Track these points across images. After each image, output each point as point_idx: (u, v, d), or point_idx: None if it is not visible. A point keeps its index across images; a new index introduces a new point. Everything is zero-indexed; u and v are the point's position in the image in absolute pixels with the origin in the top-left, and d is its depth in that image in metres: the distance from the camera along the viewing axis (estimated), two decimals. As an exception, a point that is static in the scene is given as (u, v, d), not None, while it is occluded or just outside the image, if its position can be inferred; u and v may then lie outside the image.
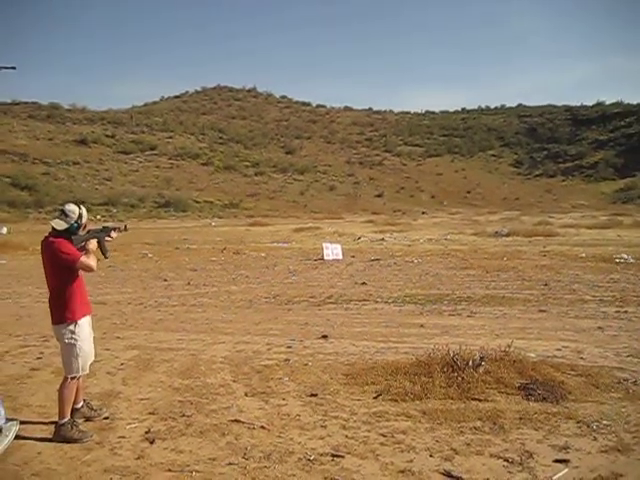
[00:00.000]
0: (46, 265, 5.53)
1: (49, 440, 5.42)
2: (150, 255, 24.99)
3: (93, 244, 5.60)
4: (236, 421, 5.76)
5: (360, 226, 44.27)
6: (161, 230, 43.33)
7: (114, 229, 5.99)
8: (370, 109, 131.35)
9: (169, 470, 4.78)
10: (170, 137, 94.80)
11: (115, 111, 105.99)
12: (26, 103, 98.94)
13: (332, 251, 22.30)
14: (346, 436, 5.34)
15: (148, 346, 9.11)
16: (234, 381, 7.16)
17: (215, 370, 7.66)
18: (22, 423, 5.86)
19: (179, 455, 5.05)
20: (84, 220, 5.55)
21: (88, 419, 5.88)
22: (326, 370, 7.45)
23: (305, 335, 9.70)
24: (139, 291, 15.48)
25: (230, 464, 4.84)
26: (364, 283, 15.78)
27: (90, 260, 5.41)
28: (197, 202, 71.50)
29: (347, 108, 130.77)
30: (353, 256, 22.98)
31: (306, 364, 7.78)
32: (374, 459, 4.87)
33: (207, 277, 17.96)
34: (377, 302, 12.98)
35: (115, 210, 63.16)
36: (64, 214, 5.42)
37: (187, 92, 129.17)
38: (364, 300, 13.22)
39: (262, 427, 5.59)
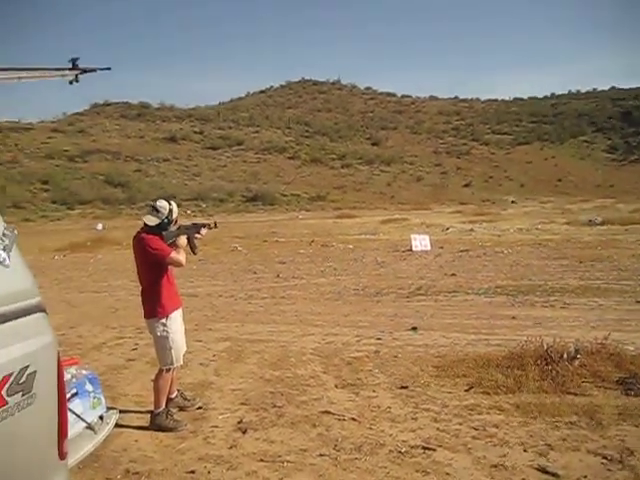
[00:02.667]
0: (137, 260, 5.67)
1: (145, 428, 5.57)
2: (240, 248, 25.38)
3: (183, 240, 5.69)
4: (327, 412, 5.76)
5: (448, 217, 43.71)
6: (250, 224, 43.97)
7: (204, 226, 6.06)
8: (456, 97, 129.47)
9: (261, 460, 4.82)
10: (257, 132, 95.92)
11: (202, 108, 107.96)
12: (117, 103, 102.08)
13: (420, 242, 22.08)
14: (437, 429, 5.26)
15: (239, 338, 9.26)
16: (324, 373, 7.18)
17: (305, 362, 7.70)
18: (120, 412, 6.08)
19: (271, 445, 5.10)
20: (175, 216, 5.64)
21: (182, 409, 6.01)
22: (416, 362, 7.38)
23: (394, 327, 9.64)
24: (229, 284, 15.73)
25: (321, 455, 4.85)
26: (453, 274, 15.57)
27: (180, 256, 5.51)
28: (284, 195, 72.16)
29: (433, 97, 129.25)
30: (442, 247, 22.71)
31: (396, 356, 7.73)
32: (466, 453, 4.78)
33: (295, 269, 18.08)
34: (467, 293, 12.77)
35: (204, 205, 64.45)
36: (155, 210, 5.52)
37: (272, 87, 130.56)
38: (454, 291, 13.03)
39: (353, 419, 5.58)
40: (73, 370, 4.04)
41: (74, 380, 3.91)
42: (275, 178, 79.65)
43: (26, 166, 67.47)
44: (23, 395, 2.18)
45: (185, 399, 6.11)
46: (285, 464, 4.72)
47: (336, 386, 6.63)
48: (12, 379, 2.12)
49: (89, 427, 3.82)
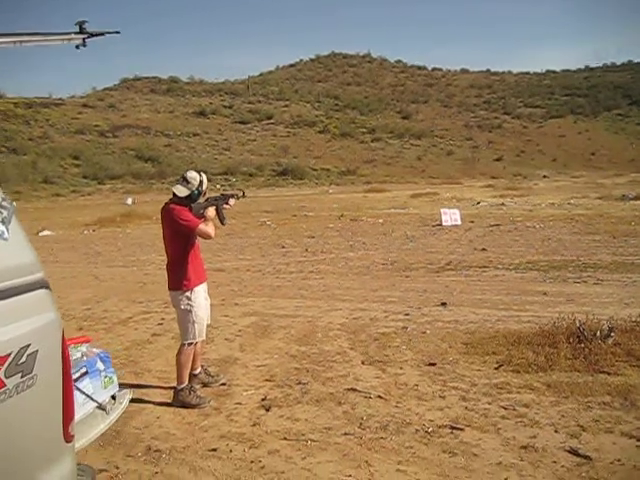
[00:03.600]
0: (165, 231, 5.58)
1: (168, 405, 5.51)
2: (268, 223, 25.27)
3: (211, 212, 5.57)
4: (352, 390, 5.65)
5: (479, 191, 43.12)
6: (279, 198, 43.87)
7: (232, 196, 5.93)
8: (488, 70, 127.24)
9: (284, 438, 4.72)
10: (286, 106, 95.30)
11: (232, 82, 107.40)
12: (147, 78, 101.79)
13: (450, 216, 21.76)
14: (466, 408, 5.12)
15: (266, 313, 9.16)
16: (351, 349, 7.05)
17: (332, 337, 7.59)
18: (143, 387, 6.02)
19: (294, 423, 4.99)
20: (204, 187, 5.53)
21: (206, 385, 5.93)
22: (445, 339, 7.22)
23: (423, 302, 9.46)
24: (257, 258, 15.64)
25: (346, 434, 4.74)
26: (484, 249, 15.28)
27: (208, 227, 5.39)
28: (314, 170, 71.78)
29: (464, 70, 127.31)
30: (472, 221, 22.35)
31: (424, 332, 7.57)
32: (495, 433, 4.63)
33: (324, 244, 17.92)
34: (498, 269, 12.50)
35: (234, 179, 64.33)
36: (185, 180, 5.43)
37: (301, 60, 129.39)
38: (484, 267, 12.77)
39: (379, 396, 5.46)
40: (84, 348, 3.92)
41: (84, 359, 3.80)
42: (305, 152, 79.15)
43: (57, 141, 67.80)
44: (23, 376, 2.06)
45: (209, 375, 6.03)
46: (309, 443, 4.62)
47: (362, 363, 6.50)
48: (10, 359, 2.00)
49: (100, 407, 3.72)
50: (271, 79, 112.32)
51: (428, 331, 7.60)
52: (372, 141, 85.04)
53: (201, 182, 5.46)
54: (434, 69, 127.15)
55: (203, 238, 5.50)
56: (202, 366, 6.01)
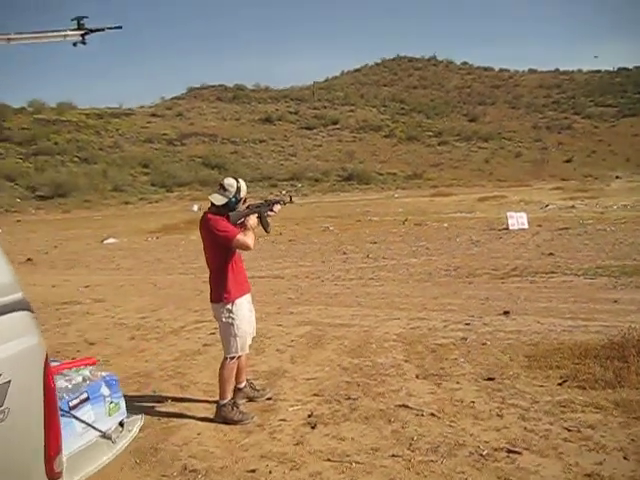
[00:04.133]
0: (204, 242, 5.37)
1: (210, 420, 5.29)
2: (331, 228, 25.04)
3: (253, 220, 5.32)
4: (404, 406, 5.31)
5: (548, 193, 41.96)
6: (344, 203, 43.67)
7: (277, 202, 5.67)
8: (557, 70, 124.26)
9: (328, 460, 4.43)
10: (352, 110, 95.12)
11: (297, 88, 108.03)
12: (213, 86, 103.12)
13: (517, 220, 21.10)
14: (525, 428, 4.71)
15: (321, 322, 8.89)
16: (406, 361, 6.71)
17: (387, 348, 7.25)
18: (187, 401, 5.81)
19: (340, 443, 4.69)
20: (242, 194, 5.29)
21: (251, 400, 5.69)
22: (506, 351, 6.79)
23: (485, 311, 9.03)
24: (317, 265, 15.40)
25: (394, 456, 4.40)
26: (551, 254, 14.65)
27: (247, 238, 5.13)
28: (380, 174, 71.40)
29: (532, 70, 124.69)
30: (540, 225, 21.62)
31: (484, 343, 7.15)
32: (556, 458, 4.21)
33: (387, 249, 17.57)
34: (565, 274, 11.92)
35: (300, 185, 64.52)
36: (222, 188, 5.21)
37: (366, 65, 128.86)
38: (551, 272, 12.19)
39: (432, 414, 5.10)
40: (87, 372, 3.66)
41: (87, 383, 3.54)
42: (371, 157, 78.80)
43: (127, 150, 69.28)
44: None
45: (254, 389, 5.78)
46: (353, 465, 4.31)
47: (417, 376, 6.14)
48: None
49: (104, 436, 3.46)
50: (336, 84, 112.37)
51: (488, 342, 7.18)
52: (439, 144, 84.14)
53: (238, 189, 5.21)
54: (501, 70, 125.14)
55: (241, 250, 5.26)
56: (248, 380, 5.76)
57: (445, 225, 23.48)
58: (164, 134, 76.16)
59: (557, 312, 8.65)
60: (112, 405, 3.57)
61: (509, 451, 4.32)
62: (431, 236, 20.20)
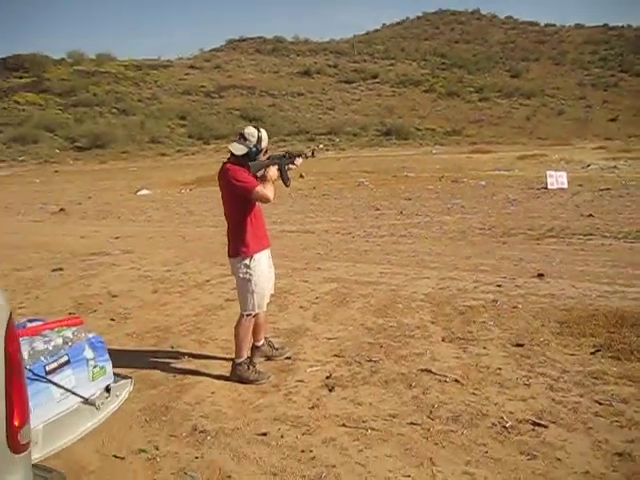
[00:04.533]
0: (222, 194, 5.14)
1: (226, 378, 5.13)
2: (366, 183, 24.63)
3: (273, 172, 5.06)
4: (427, 371, 5.08)
5: (590, 153, 40.80)
6: (381, 158, 43.06)
7: (299, 155, 5.38)
8: (605, 25, 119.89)
9: (343, 425, 4.24)
10: (392, 65, 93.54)
11: (337, 41, 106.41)
12: (252, 39, 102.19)
13: (557, 179, 20.47)
14: (553, 400, 4.45)
15: (348, 279, 8.66)
16: (432, 322, 6.46)
17: (414, 309, 7.01)
18: (204, 358, 5.66)
19: (357, 407, 4.50)
20: (264, 144, 5.02)
21: (269, 358, 5.52)
22: (538, 315, 6.48)
23: (518, 272, 8.69)
24: (349, 220, 15.12)
25: (412, 424, 4.19)
26: (591, 215, 14.14)
27: (267, 190, 4.88)
28: (419, 130, 70.31)
29: (578, 26, 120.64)
30: (580, 185, 20.95)
31: (515, 307, 6.85)
32: (584, 433, 3.95)
33: (421, 206, 17.20)
34: (605, 237, 11.47)
35: (338, 139, 63.88)
36: (243, 137, 4.95)
37: (408, 18, 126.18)
38: (589, 234, 11.74)
39: (455, 380, 4.87)
40: (69, 333, 3.41)
41: (68, 345, 3.31)
42: (410, 112, 77.55)
43: (165, 102, 69.17)
44: None
45: (273, 348, 5.60)
46: (369, 432, 4.11)
47: (443, 339, 5.90)
48: None
49: (87, 402, 3.26)
50: (377, 38, 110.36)
51: (520, 306, 6.87)
52: (479, 100, 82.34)
53: (259, 138, 4.95)
54: (547, 25, 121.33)
55: (261, 202, 5.02)
56: (266, 338, 5.58)
57: (482, 183, 22.92)
58: (202, 86, 75.86)
59: (593, 276, 8.26)
60: (96, 369, 3.34)
61: (534, 424, 4.07)
62: (467, 194, 19.72)
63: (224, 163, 5.07)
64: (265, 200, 4.92)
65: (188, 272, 9.42)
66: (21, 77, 69.42)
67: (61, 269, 9.92)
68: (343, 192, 21.69)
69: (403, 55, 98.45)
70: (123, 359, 5.63)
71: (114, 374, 3.62)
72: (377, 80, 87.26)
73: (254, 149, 4.92)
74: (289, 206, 18.13)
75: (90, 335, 3.50)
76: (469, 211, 15.79)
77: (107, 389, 3.41)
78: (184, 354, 5.76)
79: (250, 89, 77.34)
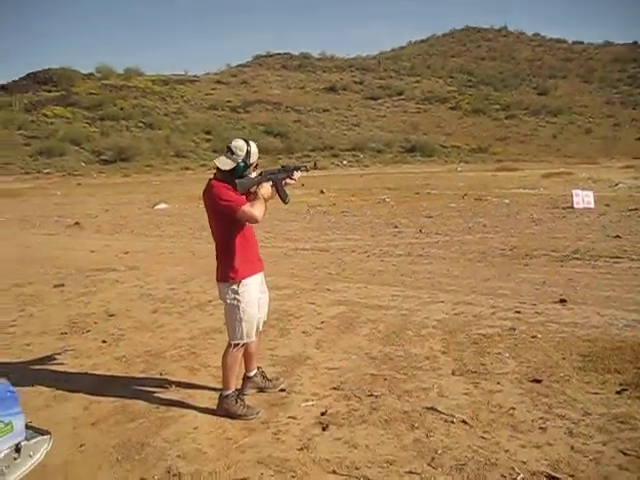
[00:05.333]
0: (208, 213, 4.73)
1: (212, 412, 4.69)
2: (387, 200, 24.23)
3: (266, 189, 4.64)
4: (432, 409, 4.61)
5: (618, 172, 39.91)
6: (404, 175, 42.67)
7: (297, 169, 4.96)
8: (635, 43, 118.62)
9: (333, 472, 3.78)
10: (417, 81, 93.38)
11: (363, 58, 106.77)
12: (279, 54, 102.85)
13: (583, 198, 19.90)
14: (572, 447, 3.93)
15: (357, 302, 8.19)
16: (443, 353, 5.97)
17: (424, 337, 6.52)
18: (193, 387, 5.23)
19: (351, 451, 4.03)
20: (253, 159, 4.60)
21: (261, 390, 5.08)
22: (558, 346, 5.95)
23: (539, 297, 8.17)
24: (366, 238, 14.69)
25: (410, 472, 3.72)
26: (618, 236, 13.55)
27: (254, 209, 4.46)
28: (444, 147, 69.84)
29: (607, 43, 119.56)
30: (607, 205, 20.34)
31: (534, 336, 6.33)
32: (607, 491, 3.45)
33: (441, 225, 16.73)
34: (633, 260, 10.90)
35: (362, 155, 63.65)
36: (230, 151, 4.53)
37: (434, 35, 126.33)
38: (617, 257, 11.17)
39: (463, 421, 4.39)
40: None
41: None
42: (435, 129, 77.17)
43: (190, 117, 69.44)
44: None
45: (266, 379, 5.15)
46: (361, 481, 3.65)
47: (453, 372, 5.41)
48: None
49: None
50: (403, 54, 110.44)
51: (539, 335, 6.35)
52: (506, 118, 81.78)
53: (248, 152, 4.53)
54: (574, 42, 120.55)
55: (248, 222, 4.61)
56: (259, 368, 5.14)
57: (506, 201, 22.39)
58: (228, 101, 76.21)
59: (620, 303, 7.71)
60: (0, 426, 2.90)
61: (550, 477, 3.57)
62: (490, 212, 19.22)
63: (210, 179, 4.66)
64: (253, 220, 4.51)
65: (192, 291, 9.02)
66: (50, 91, 70.14)
67: (62, 285, 9.58)
68: (363, 209, 21.28)
69: (429, 72, 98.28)
70: (107, 386, 5.30)
71: (31, 429, 3.17)
72: (403, 97, 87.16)
73: (242, 164, 4.51)
74: (306, 222, 17.78)
75: None
76: (491, 230, 15.29)
77: (17, 449, 2.95)
78: (172, 382, 5.33)
79: (276, 104, 77.50)
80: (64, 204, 26.06)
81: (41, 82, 72.25)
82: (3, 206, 25.08)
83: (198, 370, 5.69)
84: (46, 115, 62.47)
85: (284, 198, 4.87)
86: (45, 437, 3.15)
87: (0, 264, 11.57)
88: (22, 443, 2.98)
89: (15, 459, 2.92)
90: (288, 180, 4.88)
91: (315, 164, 5.35)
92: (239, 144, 4.54)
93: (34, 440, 3.07)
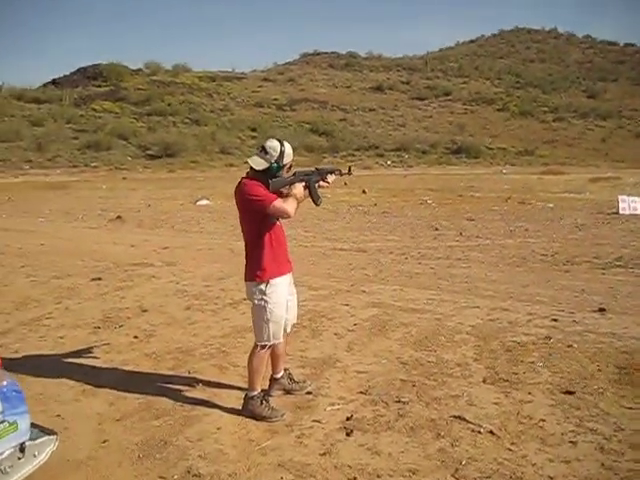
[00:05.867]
0: (239, 211, 4.70)
1: (237, 412, 4.67)
2: (429, 202, 24.03)
3: (298, 189, 4.60)
4: (460, 418, 4.51)
5: (669, 177, 39.04)
6: (448, 176, 42.30)
7: (331, 172, 4.92)
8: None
9: (354, 479, 3.72)
10: (465, 82, 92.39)
11: (410, 57, 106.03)
12: (326, 53, 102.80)
13: (629, 204, 19.47)
14: (602, 464, 3.79)
15: (391, 304, 8.08)
16: (475, 360, 5.85)
17: (457, 343, 6.41)
18: (220, 387, 5.22)
19: (374, 458, 3.96)
20: (287, 160, 4.56)
21: (288, 392, 5.04)
22: (594, 357, 5.78)
23: (578, 306, 7.98)
24: (405, 240, 14.57)
25: (433, 484, 3.64)
26: (664, 244, 13.22)
27: (286, 204, 4.43)
28: (490, 149, 68.96)
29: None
30: (656, 211, 19.84)
31: (570, 346, 6.15)
32: (636, 515, 3.32)
33: (483, 228, 16.53)
34: (680, 269, 10.62)
35: (406, 156, 63.24)
36: (264, 151, 4.50)
37: (483, 36, 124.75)
38: (661, 266, 10.90)
39: (491, 432, 4.28)
40: None
41: None
42: (481, 130, 76.24)
43: (236, 114, 69.81)
44: None
45: (293, 381, 5.10)
46: (382, 490, 3.58)
47: (484, 380, 5.29)
48: None
49: None
50: (450, 55, 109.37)
51: (575, 345, 6.17)
52: (554, 120, 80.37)
53: (282, 153, 4.48)
54: (626, 44, 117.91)
55: (281, 217, 4.57)
56: (285, 370, 5.10)
57: (550, 205, 22.02)
58: (274, 99, 76.37)
59: (662, 314, 7.51)
60: (3, 425, 2.87)
61: (576, 494, 3.47)
62: (533, 216, 18.91)
63: (242, 178, 4.64)
64: (284, 215, 4.48)
65: (227, 289, 9.01)
66: (99, 86, 71.13)
67: (100, 279, 9.67)
68: (404, 210, 21.14)
69: (477, 73, 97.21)
70: (134, 383, 5.31)
71: (36, 428, 3.15)
72: (449, 97, 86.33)
73: (275, 165, 4.47)
74: (345, 222, 17.73)
75: (4, 383, 3.02)
76: (533, 235, 15.05)
77: (22, 448, 2.94)
78: (199, 381, 5.33)
79: (322, 103, 77.45)
80: (108, 198, 26.41)
81: (91, 77, 73.32)
82: (49, 199, 25.53)
83: (227, 369, 5.67)
84: (95, 110, 63.42)
85: (316, 200, 4.83)
86: (51, 437, 3.14)
87: (41, 256, 11.73)
88: (27, 443, 2.97)
89: (19, 459, 2.91)
90: (322, 182, 4.84)
91: (350, 169, 5.26)
92: (273, 144, 4.50)
93: (39, 440, 3.06)
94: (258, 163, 4.49)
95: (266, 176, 4.50)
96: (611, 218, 18.20)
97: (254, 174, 4.54)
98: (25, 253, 12.12)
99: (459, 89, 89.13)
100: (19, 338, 6.67)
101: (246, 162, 4.62)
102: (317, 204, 4.88)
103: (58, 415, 4.69)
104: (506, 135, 74.84)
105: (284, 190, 4.60)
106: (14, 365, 5.55)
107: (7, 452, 2.86)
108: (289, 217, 4.50)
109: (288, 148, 4.56)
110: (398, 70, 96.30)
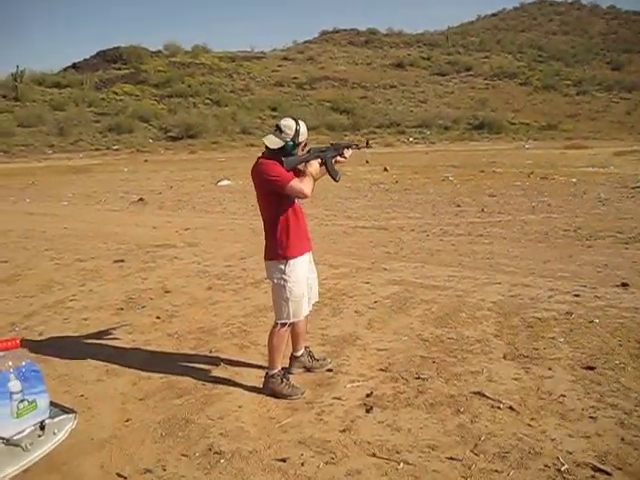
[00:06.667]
0: (256, 191, 4.72)
1: (258, 390, 4.72)
2: (451, 178, 23.80)
3: (314, 166, 4.61)
4: (479, 394, 4.52)
5: (697, 149, 38.44)
6: (470, 152, 41.89)
7: (348, 146, 4.92)
8: None
9: (373, 455, 3.75)
10: (486, 57, 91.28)
11: (431, 33, 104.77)
12: (346, 30, 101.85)
13: (654, 177, 19.20)
14: (622, 439, 3.79)
15: (412, 282, 8.09)
16: (496, 336, 5.85)
17: (478, 319, 6.41)
18: (241, 365, 5.27)
19: (393, 434, 3.99)
20: (302, 138, 4.56)
21: (309, 370, 5.08)
22: (616, 332, 5.75)
23: (600, 281, 7.91)
24: (427, 217, 14.49)
25: (452, 459, 3.65)
26: (690, 218, 13.03)
27: (303, 184, 4.44)
28: (512, 124, 68.14)
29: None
30: (682, 184, 19.56)
31: (592, 321, 6.13)
32: (657, 488, 3.31)
33: (505, 204, 16.37)
34: None
35: (428, 132, 62.76)
36: (279, 130, 4.51)
37: (504, 9, 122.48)
38: (686, 240, 10.75)
39: (510, 407, 4.29)
40: None
41: None
42: (504, 105, 75.32)
43: (257, 93, 69.72)
44: None
45: (313, 358, 5.14)
46: (401, 465, 3.61)
47: (504, 356, 5.30)
48: None
49: (9, 443, 2.82)
50: (471, 29, 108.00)
51: (597, 320, 6.15)
52: (577, 94, 79.16)
53: (297, 131, 4.48)
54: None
55: (298, 197, 4.58)
56: (306, 347, 5.14)
57: (573, 180, 21.72)
58: (294, 78, 76.06)
59: (687, 288, 7.43)
60: (24, 404, 2.90)
61: (596, 469, 3.46)
62: (556, 191, 18.68)
63: (258, 157, 4.65)
64: (301, 195, 4.49)
65: (248, 268, 9.06)
66: (119, 69, 71.35)
67: (123, 260, 9.77)
68: (426, 187, 20.98)
69: (498, 47, 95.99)
70: (157, 362, 5.38)
71: (56, 407, 3.21)
72: (471, 73, 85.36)
73: (291, 143, 4.48)
74: (367, 200, 17.66)
75: (23, 363, 3.08)
76: (555, 210, 14.88)
77: (41, 426, 3.00)
78: (221, 360, 5.39)
79: (342, 81, 77.02)
80: (130, 180, 26.51)
81: (111, 60, 73.56)
82: (71, 182, 25.70)
83: (248, 348, 5.72)
84: (116, 93, 63.64)
85: (334, 176, 4.83)
86: (70, 415, 3.21)
87: (64, 240, 11.87)
88: (46, 421, 3.04)
89: (40, 436, 2.98)
90: (339, 158, 4.84)
91: (367, 142, 5.26)
92: (288, 123, 4.51)
93: (59, 418, 3.13)
94: (273, 142, 4.50)
95: (282, 155, 4.51)
96: (635, 192, 17.91)
97: (270, 153, 4.55)
98: (49, 236, 12.27)
99: (480, 64, 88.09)
100: (43, 320, 6.78)
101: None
102: (336, 180, 4.88)
103: (82, 395, 4.77)
104: (529, 110, 73.94)
105: (300, 167, 4.61)
106: (39, 347, 5.67)
107: (28, 430, 2.93)
108: (305, 197, 4.51)
109: (303, 127, 4.56)
110: (419, 46, 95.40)
